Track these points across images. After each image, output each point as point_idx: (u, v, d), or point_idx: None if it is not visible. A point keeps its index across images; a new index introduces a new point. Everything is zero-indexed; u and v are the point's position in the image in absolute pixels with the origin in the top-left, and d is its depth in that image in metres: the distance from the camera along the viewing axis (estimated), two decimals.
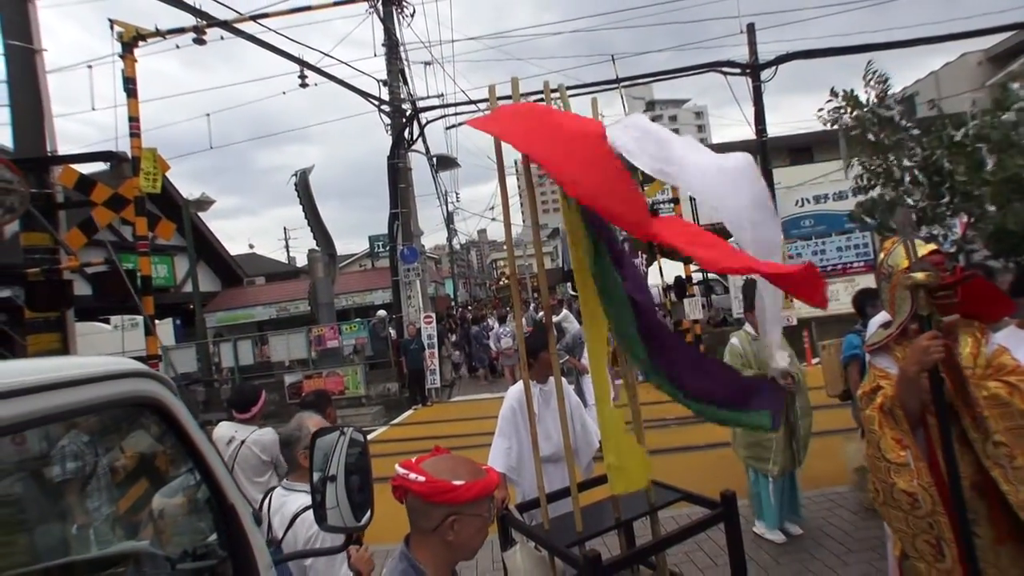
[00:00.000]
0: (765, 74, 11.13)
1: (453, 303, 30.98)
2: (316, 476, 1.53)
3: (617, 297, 2.24)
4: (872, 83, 3.49)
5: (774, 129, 12.54)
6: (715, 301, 14.14)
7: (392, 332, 14.16)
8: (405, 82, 14.06)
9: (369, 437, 9.91)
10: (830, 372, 4.45)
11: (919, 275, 1.78)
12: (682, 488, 2.72)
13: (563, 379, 3.36)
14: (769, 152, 11.97)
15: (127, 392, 1.12)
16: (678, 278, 10.70)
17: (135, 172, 6.28)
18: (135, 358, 1.36)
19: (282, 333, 14.85)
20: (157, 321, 15.46)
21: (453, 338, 15.78)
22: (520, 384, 3.17)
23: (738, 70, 10.99)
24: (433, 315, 13.06)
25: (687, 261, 10.67)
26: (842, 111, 3.57)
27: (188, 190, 19.40)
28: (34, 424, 0.95)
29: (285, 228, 41.24)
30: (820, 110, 3.69)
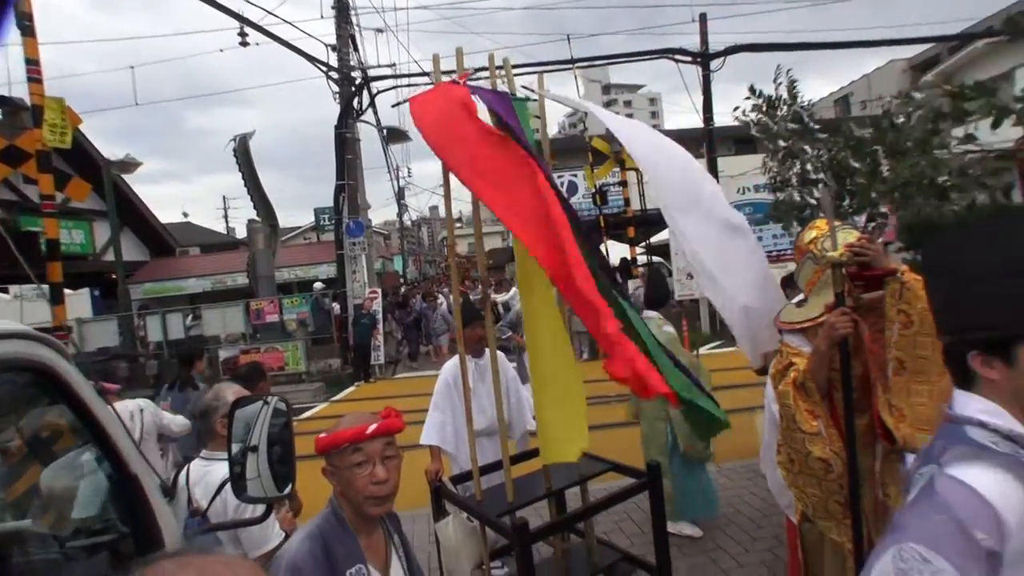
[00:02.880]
0: (714, 64, 11.37)
1: (402, 280, 30.54)
2: (235, 447, 1.48)
3: None
4: (783, 85, 3.61)
5: (724, 119, 12.88)
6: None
7: (336, 307, 13.85)
8: (356, 49, 13.54)
9: (309, 414, 9.85)
10: None
11: (834, 254, 1.89)
12: (611, 460, 2.81)
13: (502, 354, 3.39)
14: (715, 141, 12.30)
15: (10, 354, 1.03)
16: (623, 259, 10.95)
17: (37, 123, 5.53)
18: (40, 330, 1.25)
19: (217, 306, 14.22)
20: (70, 291, 14.43)
21: (397, 315, 15.57)
22: (456, 359, 3.17)
23: (689, 58, 11.18)
24: (379, 291, 12.84)
25: (632, 243, 10.91)
26: (759, 112, 3.68)
27: (110, 150, 18.04)
28: None
29: (224, 197, 39.09)
30: (736, 108, 3.81)
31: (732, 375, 6.71)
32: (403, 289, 21.47)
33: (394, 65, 15.11)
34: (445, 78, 2.54)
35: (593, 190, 9.37)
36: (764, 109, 3.43)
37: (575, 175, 15.56)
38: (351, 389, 11.71)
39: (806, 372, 2.05)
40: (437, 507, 2.83)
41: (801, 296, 2.27)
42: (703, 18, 11.53)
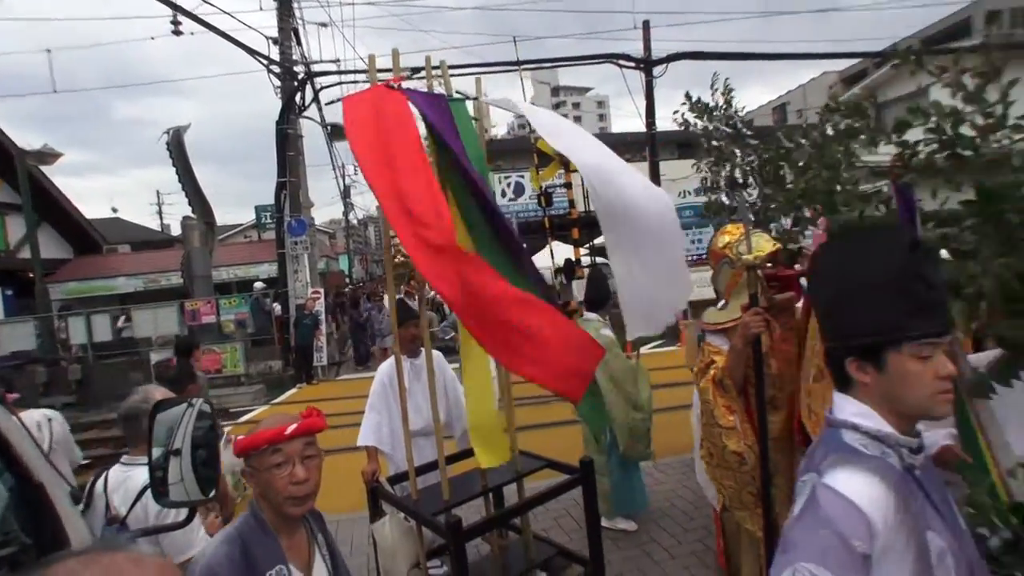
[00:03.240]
0: (657, 70, 11.74)
1: (348, 280, 29.88)
2: (157, 452, 1.45)
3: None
4: (720, 92, 3.80)
5: (666, 124, 13.34)
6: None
7: (277, 308, 13.42)
8: (299, 42, 13.17)
9: (248, 417, 9.49)
10: (690, 347, 4.89)
11: (749, 257, 2.01)
12: (547, 457, 2.88)
13: (439, 354, 3.40)
14: (658, 145, 12.70)
15: None
16: (567, 260, 11.11)
17: None
18: None
19: (148, 307, 13.48)
20: None
21: (346, 319, 15.21)
22: (392, 359, 3.17)
23: (632, 64, 11.51)
24: (321, 291, 12.54)
25: (576, 244, 11.06)
26: (695, 117, 3.84)
27: (25, 139, 16.77)
28: None
29: (158, 192, 37.05)
30: (676, 112, 3.97)
31: (672, 374, 6.96)
32: (347, 289, 20.97)
33: (338, 61, 14.73)
34: (383, 78, 2.54)
35: (538, 191, 9.47)
36: (701, 113, 3.59)
37: (522, 176, 15.71)
38: (293, 391, 11.39)
39: (724, 369, 2.18)
40: (374, 508, 2.82)
41: (723, 301, 2.40)
42: (646, 25, 11.92)
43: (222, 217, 16.77)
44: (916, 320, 1.00)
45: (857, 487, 0.94)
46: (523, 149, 10.37)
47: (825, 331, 1.14)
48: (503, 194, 18.51)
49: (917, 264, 1.02)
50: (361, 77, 12.23)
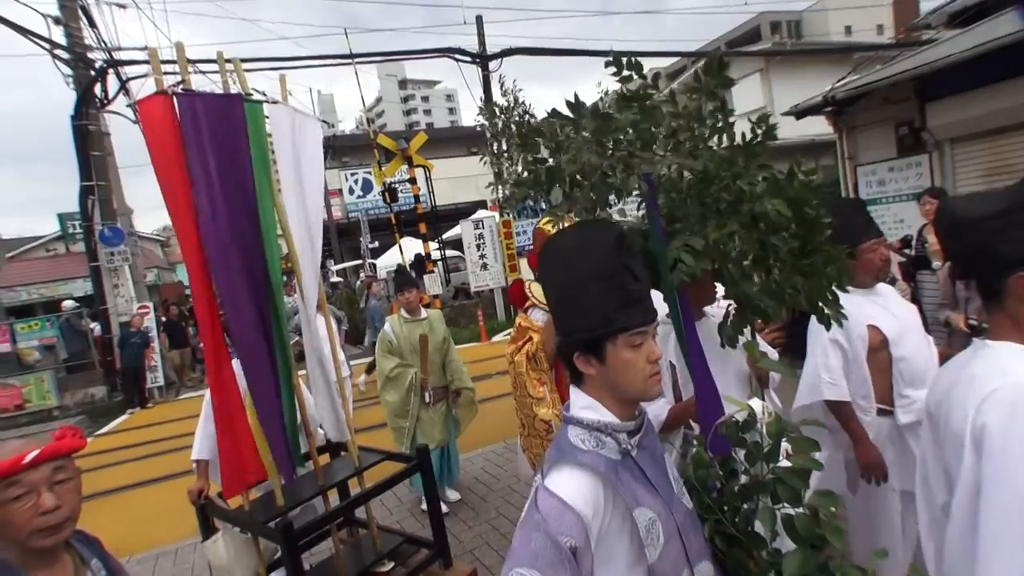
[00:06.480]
0: (493, 64, 12.14)
1: (187, 291, 26.91)
2: None
3: None
4: (510, 93, 4.10)
5: None
6: (452, 278, 15.41)
7: (96, 327, 11.80)
8: (92, 24, 11.48)
9: None
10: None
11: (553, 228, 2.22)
12: (384, 449, 2.98)
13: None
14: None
15: None
16: (418, 255, 11.18)
17: None
18: None
19: None
20: None
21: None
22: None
23: (468, 59, 11.77)
24: (150, 305, 11.26)
25: (425, 239, 11.16)
26: (489, 121, 4.08)
27: None
28: None
29: None
30: (479, 114, 4.23)
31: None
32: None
33: (146, 48, 13.07)
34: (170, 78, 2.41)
35: (382, 188, 9.40)
36: (492, 116, 3.83)
37: (369, 172, 15.36)
38: (124, 418, 10.13)
39: (538, 344, 2.42)
40: (205, 527, 2.72)
41: None
42: (479, 20, 12.26)
43: (17, 228, 14.24)
44: (626, 312, 1.06)
45: (569, 485, 1.01)
46: (368, 145, 10.11)
47: (556, 328, 1.17)
48: (351, 191, 17.89)
49: (624, 259, 1.08)
50: (172, 68, 10.99)
